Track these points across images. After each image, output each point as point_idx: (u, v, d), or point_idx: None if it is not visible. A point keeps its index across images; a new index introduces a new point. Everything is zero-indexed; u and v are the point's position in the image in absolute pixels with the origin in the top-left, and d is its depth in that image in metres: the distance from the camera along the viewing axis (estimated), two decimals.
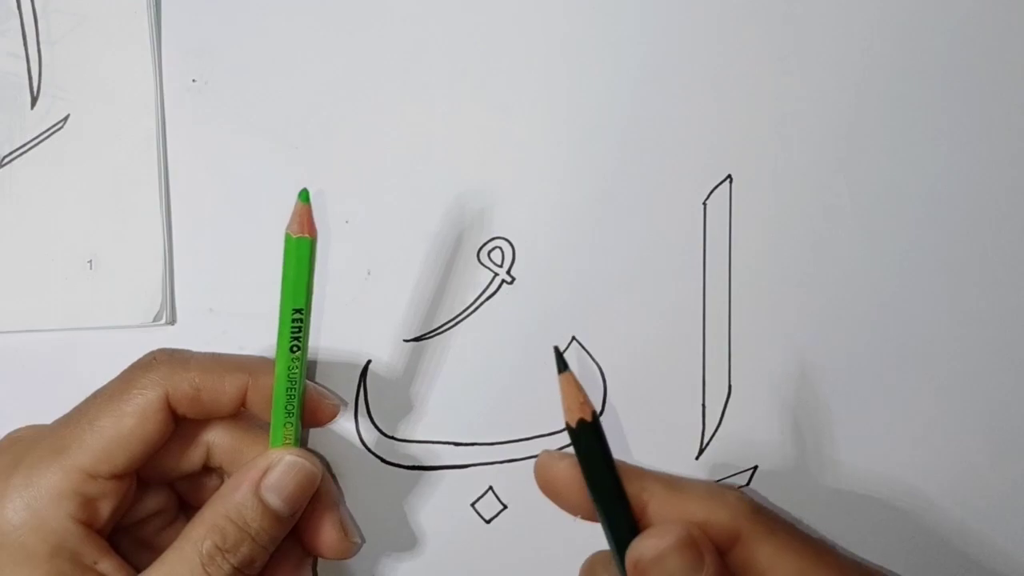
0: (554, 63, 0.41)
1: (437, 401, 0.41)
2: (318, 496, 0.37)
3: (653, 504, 0.33)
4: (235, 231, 0.40)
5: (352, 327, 0.41)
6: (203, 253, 0.40)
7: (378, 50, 0.41)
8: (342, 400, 0.39)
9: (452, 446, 0.41)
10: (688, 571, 0.31)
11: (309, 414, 0.37)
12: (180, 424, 0.36)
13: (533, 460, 0.40)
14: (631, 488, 0.33)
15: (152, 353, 0.36)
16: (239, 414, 0.37)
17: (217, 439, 0.37)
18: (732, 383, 0.41)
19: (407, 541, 0.41)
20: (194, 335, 0.40)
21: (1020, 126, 0.40)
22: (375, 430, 0.41)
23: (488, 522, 0.41)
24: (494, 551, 0.41)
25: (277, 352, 0.35)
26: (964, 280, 0.40)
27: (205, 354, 0.37)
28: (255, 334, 0.40)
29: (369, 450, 0.41)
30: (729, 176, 0.41)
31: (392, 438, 0.41)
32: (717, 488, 0.33)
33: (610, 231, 0.41)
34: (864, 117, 0.40)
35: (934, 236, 0.40)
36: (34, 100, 0.40)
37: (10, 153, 0.40)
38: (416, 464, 0.41)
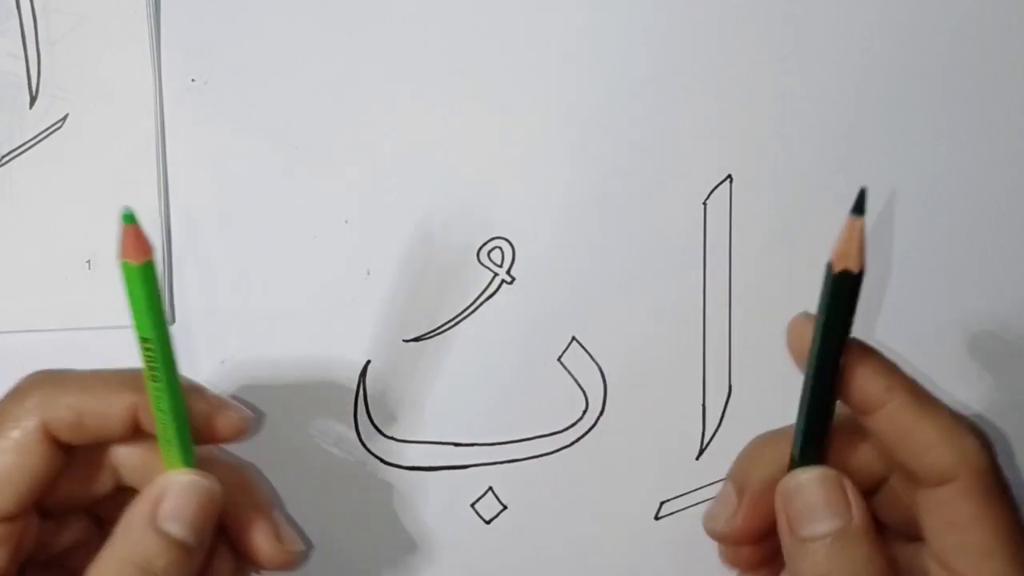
0: (554, 63, 0.41)
1: (437, 401, 0.41)
2: (247, 503, 0.34)
3: (891, 407, 0.31)
4: (235, 231, 0.40)
5: (352, 327, 0.41)
6: (203, 253, 0.40)
7: (378, 50, 0.41)
8: (252, 414, 0.36)
9: (452, 446, 0.41)
10: (827, 506, 0.31)
11: (207, 432, 0.34)
12: (73, 451, 0.33)
13: (533, 461, 0.41)
14: (875, 379, 0.32)
15: (26, 378, 0.33)
16: (139, 432, 0.33)
17: (123, 459, 0.34)
18: (732, 383, 0.41)
19: (407, 542, 0.41)
20: (193, 335, 0.40)
21: (1020, 126, 0.40)
22: (375, 431, 0.41)
23: (488, 523, 0.41)
24: (494, 552, 0.41)
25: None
26: (964, 280, 0.40)
27: (87, 373, 0.33)
28: (255, 334, 0.40)
29: (368, 451, 0.41)
30: (729, 176, 0.41)
31: (392, 438, 0.41)
32: (959, 429, 0.31)
33: (610, 231, 0.41)
34: (864, 117, 0.40)
35: (934, 236, 0.40)
36: (33, 100, 0.40)
37: (9, 153, 0.40)
38: (416, 465, 0.41)
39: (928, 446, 0.31)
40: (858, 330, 0.40)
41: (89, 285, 0.40)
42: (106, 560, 0.31)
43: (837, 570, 0.31)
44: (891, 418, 0.31)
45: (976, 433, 0.32)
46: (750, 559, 0.36)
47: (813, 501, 0.32)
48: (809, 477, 0.32)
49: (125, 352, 0.40)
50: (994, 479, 0.31)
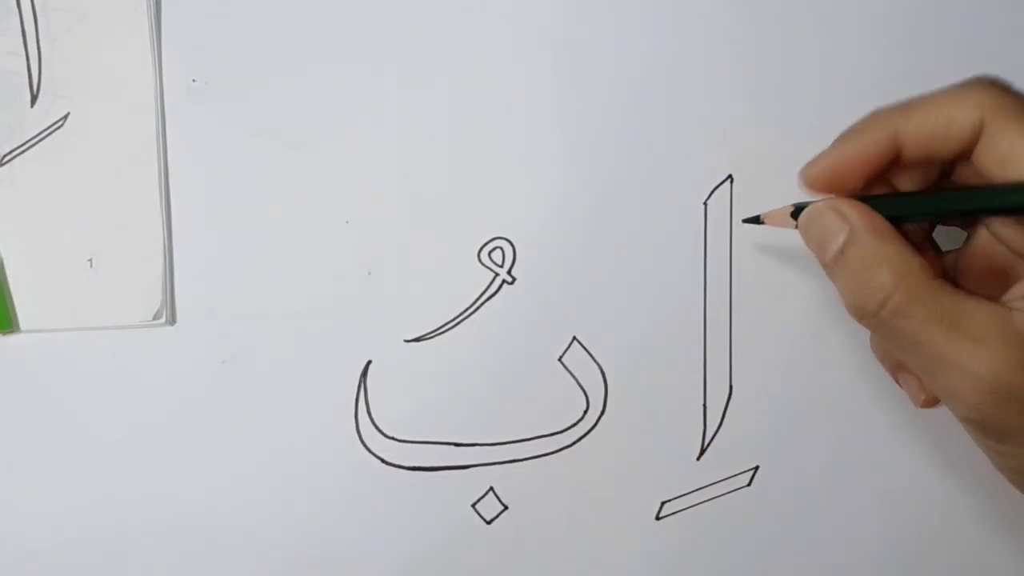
0: (555, 63, 0.41)
1: (437, 401, 0.41)
2: None
3: (902, 135, 0.33)
4: (235, 230, 0.40)
5: (352, 327, 0.40)
6: (203, 252, 0.40)
7: (378, 50, 0.41)
8: None
9: (452, 447, 0.41)
10: (827, 233, 0.33)
11: None
12: None
13: (534, 461, 0.41)
14: (883, 138, 0.33)
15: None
16: None
17: None
18: (733, 383, 0.41)
19: (407, 542, 0.41)
20: (194, 335, 0.40)
21: None
22: (375, 431, 0.41)
23: (489, 523, 0.41)
24: (495, 552, 0.41)
25: None
26: None
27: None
28: (256, 334, 0.40)
29: (369, 451, 0.41)
30: (730, 176, 0.41)
31: (392, 439, 0.41)
32: (958, 91, 0.32)
33: (611, 231, 0.41)
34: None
35: (933, 235, 0.40)
36: (34, 98, 0.40)
37: (10, 151, 0.40)
38: (417, 465, 0.41)
39: (943, 119, 0.32)
40: (855, 336, 0.40)
41: (89, 284, 0.40)
42: None
43: (850, 269, 0.32)
44: (911, 128, 0.33)
45: (978, 84, 0.33)
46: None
47: (815, 232, 0.34)
48: (804, 214, 0.34)
49: (124, 352, 0.40)
50: (1018, 102, 0.32)
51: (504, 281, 0.41)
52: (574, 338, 0.41)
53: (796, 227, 0.35)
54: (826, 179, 0.34)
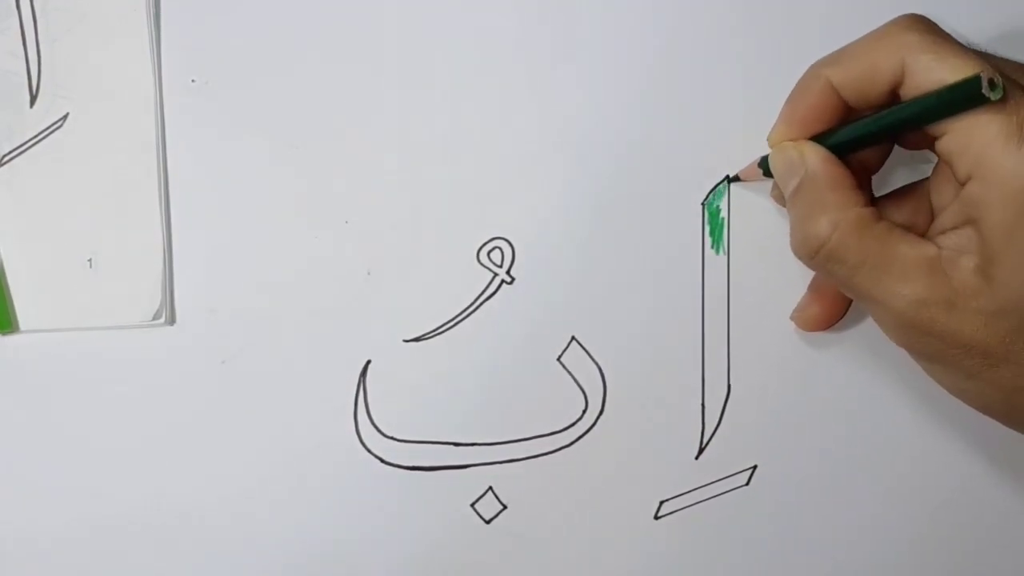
0: (554, 63, 0.41)
1: (436, 401, 0.41)
2: None
3: (836, 85, 0.35)
4: (235, 231, 0.40)
5: (351, 327, 0.40)
6: (203, 252, 0.40)
7: (378, 50, 0.41)
8: None
9: (452, 446, 0.41)
10: (788, 172, 0.36)
11: None
12: None
13: (533, 460, 0.41)
14: (822, 90, 0.35)
15: None
16: None
17: None
18: (731, 382, 0.41)
19: (406, 542, 0.41)
20: (194, 335, 0.40)
21: None
22: (374, 430, 0.41)
23: (488, 522, 0.41)
24: (494, 551, 0.41)
25: None
26: None
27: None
28: (256, 334, 0.40)
29: (368, 450, 0.41)
30: (727, 176, 0.41)
31: (391, 438, 0.41)
32: (880, 35, 0.34)
33: (609, 231, 0.41)
34: None
35: None
36: (33, 99, 0.40)
37: (9, 152, 0.40)
38: (416, 464, 0.41)
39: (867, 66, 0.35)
40: (854, 336, 0.41)
41: (88, 284, 0.40)
42: None
43: (798, 211, 0.35)
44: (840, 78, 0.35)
45: (901, 25, 0.34)
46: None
47: (780, 169, 0.36)
48: (772, 151, 0.37)
49: (123, 352, 0.40)
50: (937, 36, 0.34)
51: (503, 281, 0.41)
52: (573, 338, 0.41)
53: (765, 177, 0.38)
54: (785, 136, 0.37)
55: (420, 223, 0.41)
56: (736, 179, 0.40)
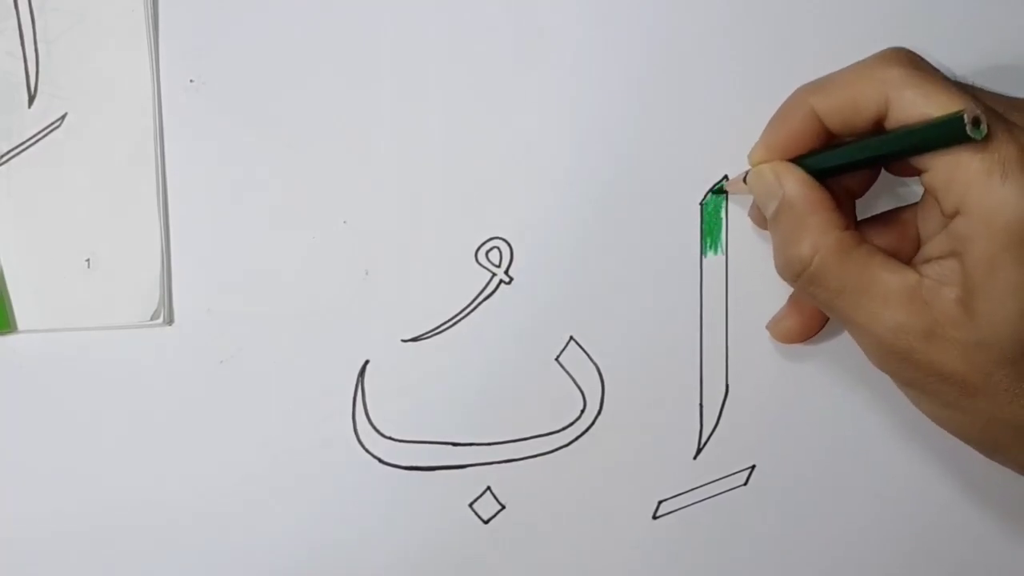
0: (553, 63, 0.41)
1: (435, 401, 0.41)
2: None
3: (820, 113, 0.35)
4: (233, 231, 0.40)
5: (350, 327, 0.40)
6: (201, 252, 0.40)
7: (376, 50, 0.41)
8: None
9: (450, 446, 0.41)
10: (766, 195, 0.36)
11: None
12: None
13: (531, 460, 0.41)
14: (805, 116, 0.36)
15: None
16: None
17: None
18: (729, 383, 0.41)
19: (405, 542, 0.41)
20: (192, 335, 0.40)
21: None
22: (373, 431, 0.41)
23: (486, 523, 0.41)
24: (492, 552, 0.41)
25: None
26: None
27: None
28: (254, 334, 0.40)
29: (367, 451, 0.41)
30: (726, 176, 0.41)
31: (390, 438, 0.41)
32: (865, 67, 0.34)
33: (608, 231, 0.41)
34: None
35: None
36: (31, 99, 0.40)
37: (7, 152, 0.40)
38: (414, 464, 0.41)
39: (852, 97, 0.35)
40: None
41: (86, 284, 0.40)
42: None
43: (779, 234, 0.36)
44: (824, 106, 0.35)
45: (887, 57, 0.34)
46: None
47: (757, 192, 0.37)
48: (749, 174, 0.38)
49: (122, 352, 0.40)
50: (923, 71, 0.34)
51: (501, 281, 0.41)
52: (571, 338, 0.41)
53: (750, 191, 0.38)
54: (766, 158, 0.37)
55: (418, 223, 0.41)
56: (723, 191, 0.41)
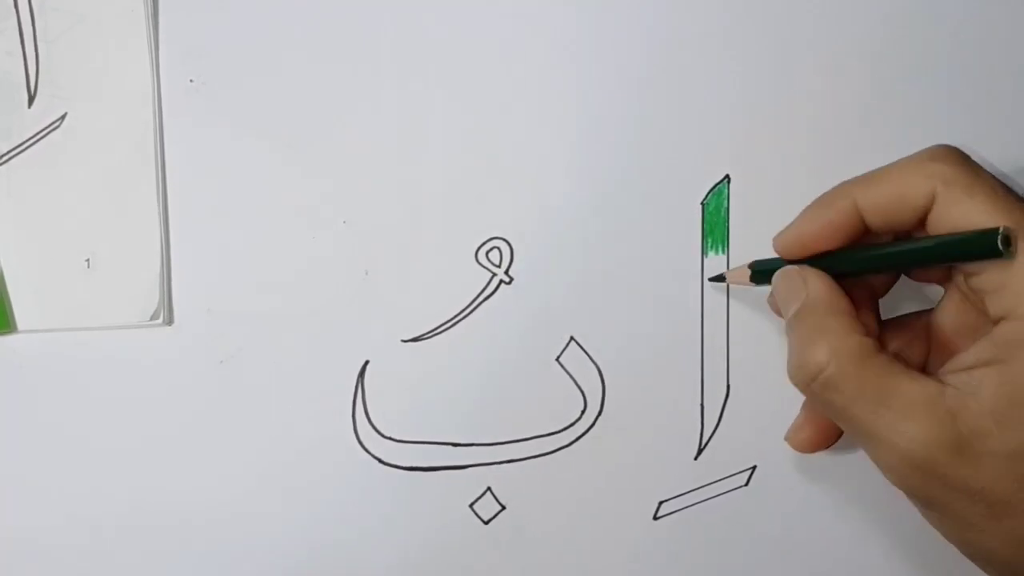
0: (553, 63, 0.41)
1: (435, 402, 0.41)
2: None
3: (862, 206, 0.34)
4: (233, 231, 0.40)
5: (350, 327, 0.40)
6: (201, 252, 0.40)
7: (376, 50, 0.41)
8: None
9: (450, 447, 0.41)
10: (790, 295, 0.35)
11: None
12: None
13: (532, 461, 0.41)
14: (845, 209, 0.35)
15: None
16: None
17: None
18: (730, 383, 0.41)
19: (405, 543, 0.41)
20: (192, 335, 0.40)
21: (1021, 126, 0.40)
22: (373, 431, 0.41)
23: (486, 523, 0.41)
24: (493, 552, 0.41)
25: None
26: None
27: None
28: (254, 334, 0.40)
29: (366, 451, 0.41)
30: (727, 176, 0.41)
31: (390, 439, 0.41)
32: (914, 162, 0.33)
33: (608, 231, 0.41)
34: (863, 116, 0.40)
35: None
36: (31, 99, 0.40)
37: (7, 152, 0.40)
38: (414, 465, 0.41)
39: (898, 190, 0.34)
40: None
41: (86, 284, 0.40)
42: None
43: (797, 336, 0.34)
44: (870, 201, 0.35)
45: (937, 154, 0.34)
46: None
47: (781, 292, 0.36)
48: (776, 274, 0.37)
49: (121, 352, 0.40)
50: (973, 172, 0.33)
51: (501, 281, 0.41)
52: (571, 338, 0.41)
53: (753, 284, 0.38)
54: (796, 247, 0.36)
55: (418, 223, 0.41)
56: (720, 279, 0.40)
